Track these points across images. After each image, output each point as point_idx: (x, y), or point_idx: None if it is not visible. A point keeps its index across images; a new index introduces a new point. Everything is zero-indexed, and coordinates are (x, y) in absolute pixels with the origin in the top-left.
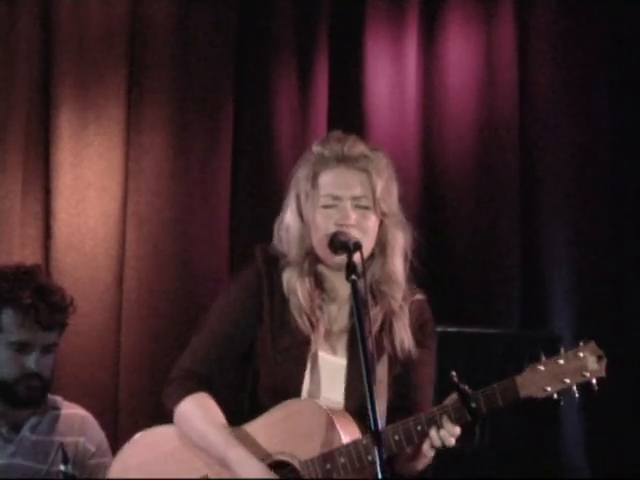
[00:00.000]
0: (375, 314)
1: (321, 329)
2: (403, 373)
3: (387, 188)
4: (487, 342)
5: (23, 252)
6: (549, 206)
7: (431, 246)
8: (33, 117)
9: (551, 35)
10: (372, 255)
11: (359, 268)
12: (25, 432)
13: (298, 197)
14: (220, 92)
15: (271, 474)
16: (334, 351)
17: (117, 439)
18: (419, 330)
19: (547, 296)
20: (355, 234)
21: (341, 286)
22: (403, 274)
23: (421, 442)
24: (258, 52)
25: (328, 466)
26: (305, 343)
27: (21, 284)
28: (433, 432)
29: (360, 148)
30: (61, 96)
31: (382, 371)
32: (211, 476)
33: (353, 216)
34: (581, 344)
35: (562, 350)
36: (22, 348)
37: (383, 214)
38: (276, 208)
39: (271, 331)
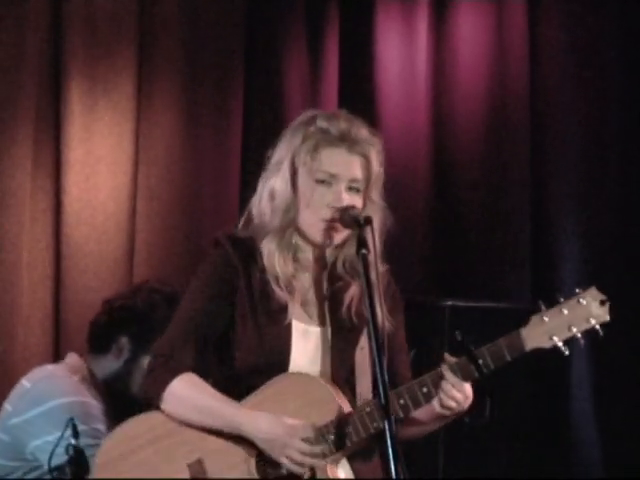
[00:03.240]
0: (354, 289)
1: (298, 297)
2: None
3: (380, 175)
4: (498, 317)
5: (33, 226)
6: (559, 180)
7: (441, 220)
8: (44, 92)
9: (562, 10)
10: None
11: (369, 243)
12: None
13: (294, 167)
14: (230, 66)
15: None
16: (313, 320)
17: None
18: (391, 299)
19: (558, 271)
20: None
21: (315, 258)
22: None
23: (428, 404)
24: (268, 26)
25: (332, 437)
26: (284, 311)
27: None
28: (440, 392)
29: (364, 133)
30: (71, 71)
31: (365, 341)
32: (206, 459)
33: (346, 199)
34: (579, 291)
35: (562, 299)
36: None
37: (369, 199)
38: None
39: (250, 307)
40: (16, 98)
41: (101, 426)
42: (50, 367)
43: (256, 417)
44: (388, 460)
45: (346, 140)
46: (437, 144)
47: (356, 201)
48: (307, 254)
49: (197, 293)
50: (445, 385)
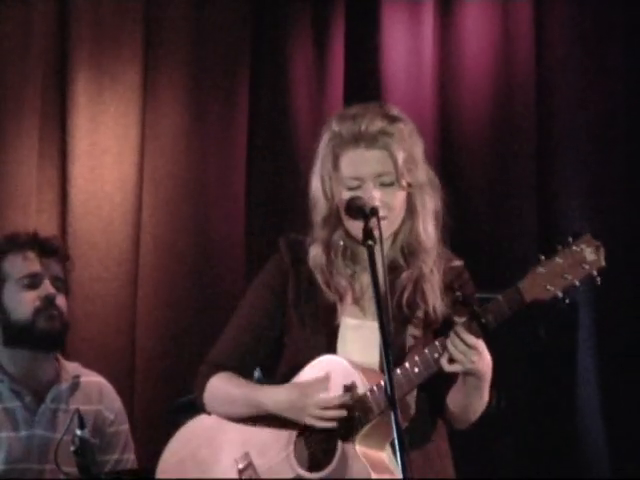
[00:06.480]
0: (405, 278)
1: (348, 297)
2: (442, 330)
3: (411, 157)
4: None
5: (40, 218)
6: (566, 170)
7: (447, 210)
8: (49, 83)
9: (568, 1)
10: (402, 221)
11: (376, 233)
12: (47, 402)
13: (322, 176)
14: (236, 56)
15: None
16: (366, 315)
17: (133, 403)
18: (459, 291)
19: None
20: (381, 213)
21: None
22: (434, 239)
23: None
24: (274, 17)
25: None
26: (333, 311)
27: (15, 236)
28: (450, 345)
29: (377, 124)
30: (77, 62)
31: (416, 328)
32: (251, 452)
33: (377, 195)
34: (571, 239)
35: (559, 247)
36: (32, 282)
37: (409, 185)
38: (292, 171)
39: (298, 312)
40: (22, 89)
41: None
42: None
43: (271, 391)
44: (395, 450)
45: (360, 139)
46: (443, 136)
47: (390, 194)
48: (364, 255)
49: (248, 302)
50: (453, 339)
